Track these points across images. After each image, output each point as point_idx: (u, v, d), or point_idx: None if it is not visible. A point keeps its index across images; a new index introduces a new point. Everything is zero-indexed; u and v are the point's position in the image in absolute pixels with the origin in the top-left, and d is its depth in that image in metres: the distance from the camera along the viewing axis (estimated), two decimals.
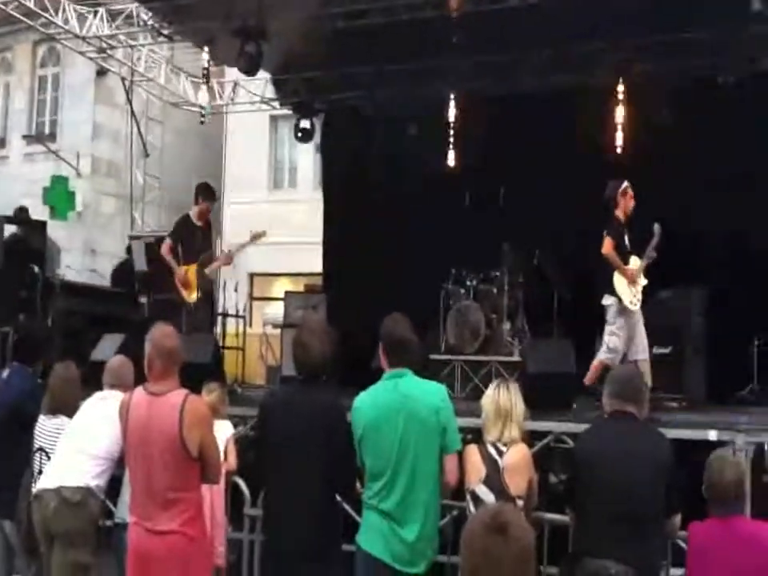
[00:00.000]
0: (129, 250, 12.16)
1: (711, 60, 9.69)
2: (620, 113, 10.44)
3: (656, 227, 7.36)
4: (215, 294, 9.19)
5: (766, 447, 6.92)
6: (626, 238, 7.38)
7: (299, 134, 12.60)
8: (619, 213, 7.40)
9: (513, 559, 2.13)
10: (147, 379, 4.12)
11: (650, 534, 3.86)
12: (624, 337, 7.17)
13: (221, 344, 9.84)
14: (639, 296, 7.30)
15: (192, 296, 8.51)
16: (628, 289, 7.23)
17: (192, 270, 8.50)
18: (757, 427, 6.01)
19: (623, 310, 7.20)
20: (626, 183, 7.44)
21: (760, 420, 6.83)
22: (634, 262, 7.33)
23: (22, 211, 10.93)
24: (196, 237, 8.61)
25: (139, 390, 4.11)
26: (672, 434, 4.95)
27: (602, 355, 7.17)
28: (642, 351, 7.25)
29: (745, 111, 9.58)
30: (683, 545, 4.17)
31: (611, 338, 7.18)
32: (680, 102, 9.95)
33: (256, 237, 8.61)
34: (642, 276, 7.34)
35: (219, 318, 11.18)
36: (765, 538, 3.91)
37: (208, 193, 8.85)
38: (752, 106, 9.56)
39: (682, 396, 8.11)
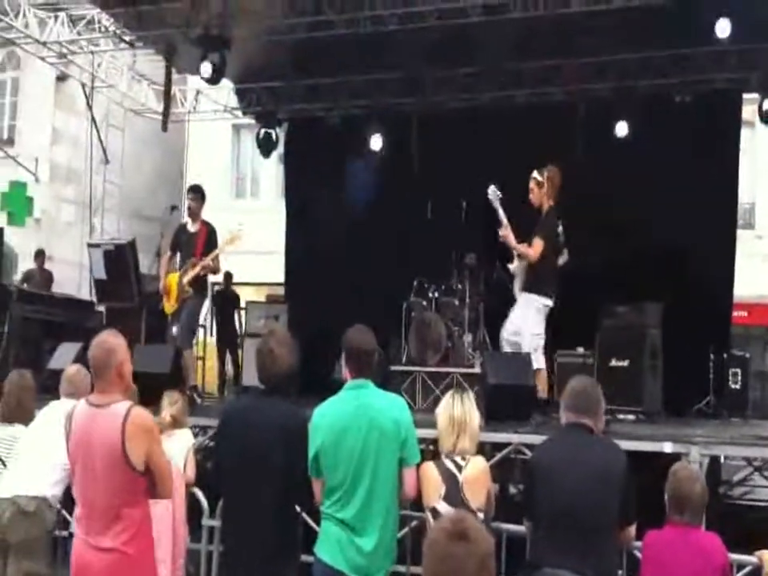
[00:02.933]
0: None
1: (668, 79, 9.89)
2: (579, 129, 10.59)
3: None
4: (196, 308, 8.38)
5: (721, 459, 7.05)
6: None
7: (261, 147, 12.58)
8: None
9: (474, 566, 2.15)
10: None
11: (605, 544, 3.89)
12: None
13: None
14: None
15: (168, 307, 8.19)
16: None
17: (173, 279, 8.13)
18: (712, 440, 6.10)
19: None
20: None
21: (715, 432, 6.94)
22: None
23: None
24: (189, 244, 8.22)
25: (82, 403, 3.96)
26: (627, 445, 5.01)
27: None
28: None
29: (700, 126, 9.80)
30: (638, 554, 4.22)
31: None
32: (637, 118, 10.17)
33: (231, 240, 8.16)
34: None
35: None
36: (720, 551, 3.98)
37: (188, 191, 8.48)
38: (707, 121, 9.79)
39: (639, 408, 8.20)
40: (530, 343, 7.21)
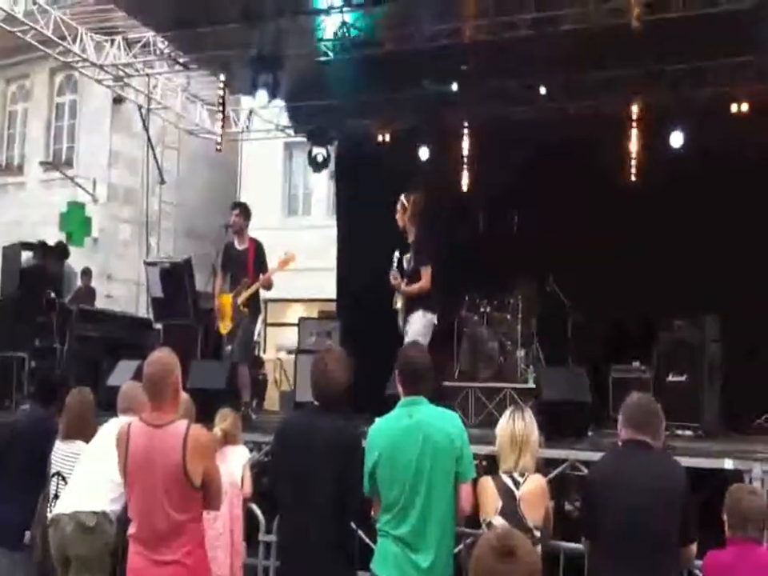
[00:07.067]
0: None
1: (726, 88, 9.74)
2: (633, 140, 10.48)
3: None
4: (251, 325, 8.45)
5: None
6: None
7: (312, 162, 12.68)
8: None
9: None
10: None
11: (665, 563, 3.82)
12: None
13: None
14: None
15: (223, 327, 8.21)
16: None
17: (227, 299, 8.16)
18: None
19: None
20: None
21: None
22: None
23: (42, 245, 11.02)
24: (238, 263, 8.23)
25: (137, 423, 4.04)
26: (687, 462, 4.92)
27: None
28: None
29: (758, 137, 9.60)
30: (699, 574, 4.14)
31: None
32: (692, 128, 10.03)
33: (285, 262, 8.22)
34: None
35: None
36: None
37: (231, 208, 8.48)
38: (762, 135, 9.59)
39: (698, 424, 8.05)
40: None
